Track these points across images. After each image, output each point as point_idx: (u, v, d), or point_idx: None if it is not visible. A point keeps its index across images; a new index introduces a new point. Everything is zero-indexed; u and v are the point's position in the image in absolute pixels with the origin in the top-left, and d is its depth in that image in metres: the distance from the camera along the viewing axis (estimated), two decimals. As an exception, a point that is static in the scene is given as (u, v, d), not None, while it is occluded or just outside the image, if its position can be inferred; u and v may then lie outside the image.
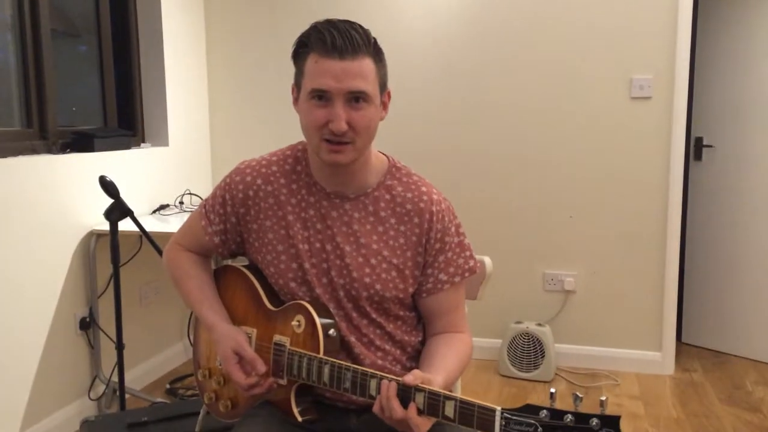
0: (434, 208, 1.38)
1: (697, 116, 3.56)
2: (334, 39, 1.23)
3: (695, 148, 3.55)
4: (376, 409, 1.19)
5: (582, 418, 0.96)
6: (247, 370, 1.36)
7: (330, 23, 1.26)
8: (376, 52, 1.29)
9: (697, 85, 3.52)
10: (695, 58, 3.48)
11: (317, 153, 1.32)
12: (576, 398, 1.00)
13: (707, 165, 3.53)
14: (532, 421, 1.00)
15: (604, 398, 1.00)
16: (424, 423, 1.15)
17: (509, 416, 1.02)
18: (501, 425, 1.02)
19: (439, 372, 1.26)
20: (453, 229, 1.41)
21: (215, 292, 1.50)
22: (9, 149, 2.54)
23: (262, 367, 1.34)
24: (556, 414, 0.98)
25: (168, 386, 3.12)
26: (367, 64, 1.26)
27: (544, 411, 0.99)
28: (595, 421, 0.95)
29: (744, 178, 3.40)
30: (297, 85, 1.33)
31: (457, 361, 1.35)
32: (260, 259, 1.44)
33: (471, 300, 1.61)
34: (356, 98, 1.26)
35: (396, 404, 1.15)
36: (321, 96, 1.26)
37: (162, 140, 3.36)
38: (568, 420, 0.97)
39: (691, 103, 3.49)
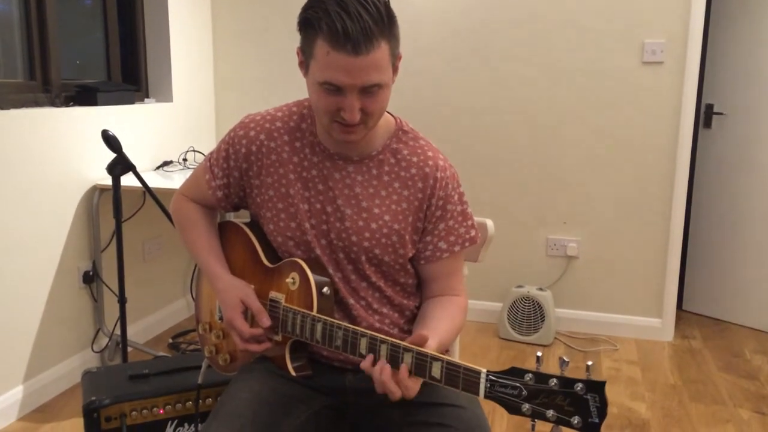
0: (439, 174, 1.36)
1: (708, 83, 3.49)
2: (346, 28, 1.13)
3: (705, 115, 3.49)
4: (365, 367, 1.19)
5: (567, 382, 0.96)
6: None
7: (339, 2, 1.15)
8: (390, 26, 1.19)
9: (710, 50, 3.45)
10: (709, 23, 3.40)
11: (328, 131, 1.30)
12: (562, 363, 1.00)
13: (717, 133, 3.48)
14: (517, 384, 1.00)
15: (590, 363, 1.00)
16: (415, 387, 1.16)
17: (494, 379, 1.02)
18: (486, 387, 1.03)
19: (432, 335, 1.26)
20: (456, 197, 1.38)
21: (220, 246, 1.50)
22: (12, 101, 2.53)
23: (267, 321, 1.33)
24: (541, 378, 0.98)
25: (170, 341, 3.16)
26: (381, 51, 1.17)
27: (529, 374, 0.99)
28: (579, 386, 0.95)
29: (754, 147, 3.35)
30: (305, 57, 1.26)
31: (451, 325, 1.35)
32: (261, 215, 1.43)
33: (472, 262, 1.61)
34: (370, 87, 1.21)
35: (393, 387, 1.15)
36: (333, 86, 1.21)
37: (166, 96, 3.33)
38: (553, 384, 0.97)
39: (704, 70, 3.42)
